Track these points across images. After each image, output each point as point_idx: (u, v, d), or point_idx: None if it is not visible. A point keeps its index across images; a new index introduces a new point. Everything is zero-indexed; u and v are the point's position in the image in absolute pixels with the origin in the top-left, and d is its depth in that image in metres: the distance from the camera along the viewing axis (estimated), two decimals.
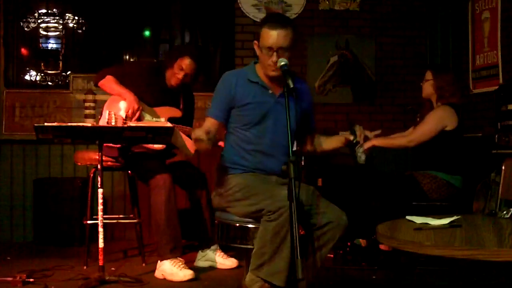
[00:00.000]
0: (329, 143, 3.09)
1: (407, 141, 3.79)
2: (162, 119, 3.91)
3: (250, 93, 2.82)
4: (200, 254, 3.98)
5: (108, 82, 3.90)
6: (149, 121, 3.90)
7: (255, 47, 2.82)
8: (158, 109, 3.96)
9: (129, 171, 4.13)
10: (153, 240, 3.86)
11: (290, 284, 2.52)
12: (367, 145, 3.77)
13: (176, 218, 3.74)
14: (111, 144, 3.84)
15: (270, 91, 2.84)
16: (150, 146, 3.82)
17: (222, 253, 3.96)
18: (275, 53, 2.71)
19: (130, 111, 3.77)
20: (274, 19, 2.78)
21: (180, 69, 3.91)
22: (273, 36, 2.70)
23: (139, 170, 3.92)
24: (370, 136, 2.92)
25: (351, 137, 2.87)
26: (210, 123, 2.84)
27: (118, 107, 3.82)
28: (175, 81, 3.94)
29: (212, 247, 3.96)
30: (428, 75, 3.90)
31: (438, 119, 3.74)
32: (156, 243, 3.78)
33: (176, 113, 4.00)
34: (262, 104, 2.82)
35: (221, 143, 3.24)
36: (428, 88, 3.88)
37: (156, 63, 3.98)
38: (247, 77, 2.86)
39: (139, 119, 3.84)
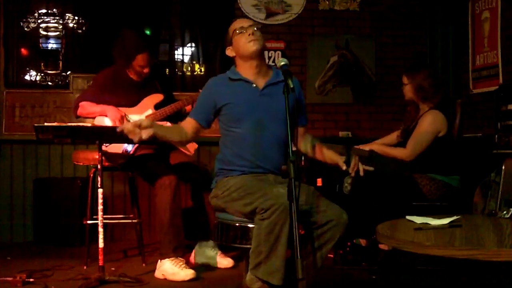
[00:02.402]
0: (323, 155, 3.03)
1: (406, 156, 3.76)
2: (150, 111, 3.99)
3: (234, 90, 2.90)
4: (197, 250, 3.98)
5: (85, 109, 3.98)
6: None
7: (229, 52, 2.98)
8: (141, 104, 4.03)
9: (129, 172, 4.14)
10: (154, 240, 3.87)
11: (290, 284, 2.52)
12: (366, 148, 3.80)
13: (180, 218, 3.75)
14: (115, 151, 3.87)
15: (254, 85, 2.90)
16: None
17: (220, 252, 3.97)
18: (248, 29, 2.90)
19: (117, 123, 3.82)
20: (235, 21, 3.07)
21: (141, 66, 3.96)
22: (240, 21, 3.01)
23: (145, 171, 3.94)
24: (362, 173, 2.87)
25: (344, 167, 2.84)
26: (187, 121, 2.96)
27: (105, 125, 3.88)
28: (145, 75, 4.02)
29: (209, 243, 3.97)
30: (404, 79, 3.91)
31: (431, 128, 3.73)
32: (159, 242, 3.79)
33: (158, 98, 4.06)
34: (248, 98, 2.88)
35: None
36: (408, 93, 3.89)
37: (115, 65, 4.05)
38: (228, 76, 2.96)
39: None
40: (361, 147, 3.87)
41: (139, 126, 2.64)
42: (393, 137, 4.08)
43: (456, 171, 3.78)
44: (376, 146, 3.91)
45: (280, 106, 2.51)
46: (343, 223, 2.67)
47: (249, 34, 2.88)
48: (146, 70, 3.98)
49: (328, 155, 3.00)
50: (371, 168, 2.94)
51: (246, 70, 2.93)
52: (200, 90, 3.09)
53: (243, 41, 2.88)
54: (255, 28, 2.92)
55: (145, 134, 2.65)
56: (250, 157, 2.86)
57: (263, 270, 2.56)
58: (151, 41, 4.76)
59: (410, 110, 3.96)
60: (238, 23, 2.97)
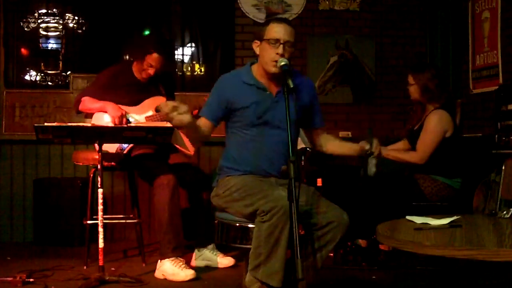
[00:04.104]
0: (342, 147, 3.05)
1: (418, 160, 3.72)
2: (150, 112, 3.99)
3: (247, 96, 2.82)
4: (197, 253, 3.99)
5: (86, 104, 3.99)
6: (138, 120, 3.97)
7: (255, 46, 2.83)
8: (143, 104, 4.04)
9: (129, 172, 4.14)
10: (154, 240, 3.87)
11: (290, 284, 2.52)
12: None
13: (179, 217, 3.75)
14: (109, 150, 3.88)
15: (267, 92, 2.84)
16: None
17: (219, 252, 3.97)
18: (281, 46, 2.72)
19: (116, 120, 3.83)
20: (280, 18, 2.86)
21: (149, 65, 3.96)
22: (280, 29, 2.74)
23: (143, 170, 3.94)
24: (384, 153, 2.89)
25: (367, 147, 2.83)
26: (202, 121, 2.84)
27: (104, 122, 3.89)
28: (146, 75, 4.01)
29: (209, 246, 3.97)
30: (410, 79, 3.85)
31: (438, 128, 3.70)
32: (158, 242, 3.79)
33: (160, 101, 4.03)
34: (260, 105, 2.81)
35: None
36: (414, 93, 3.84)
37: (120, 64, 4.07)
38: (242, 79, 2.86)
39: (128, 122, 3.93)
40: None
41: (176, 109, 2.49)
42: (399, 145, 4.05)
43: (459, 173, 3.76)
44: (387, 152, 3.85)
45: (291, 112, 2.46)
46: (344, 224, 2.66)
47: (277, 54, 2.70)
48: (151, 72, 3.96)
49: (347, 145, 3.02)
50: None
51: (261, 73, 2.84)
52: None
53: (268, 57, 2.74)
54: (287, 47, 2.72)
55: (186, 119, 2.51)
56: (255, 160, 2.83)
57: (262, 272, 2.56)
58: (172, 50, 4.78)
59: (416, 109, 3.92)
60: (276, 31, 2.73)
